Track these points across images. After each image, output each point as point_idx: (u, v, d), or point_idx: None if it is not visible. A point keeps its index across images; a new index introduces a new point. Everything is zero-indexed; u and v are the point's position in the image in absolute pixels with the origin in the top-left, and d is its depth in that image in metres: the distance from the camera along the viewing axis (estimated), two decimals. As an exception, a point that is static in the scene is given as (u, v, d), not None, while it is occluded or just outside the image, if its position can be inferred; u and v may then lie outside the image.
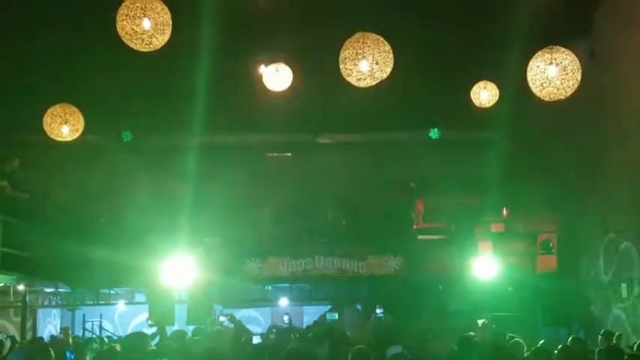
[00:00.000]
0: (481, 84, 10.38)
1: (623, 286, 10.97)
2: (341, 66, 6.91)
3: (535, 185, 14.15)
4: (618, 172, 10.70)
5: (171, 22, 6.85)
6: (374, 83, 7.00)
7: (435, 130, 12.24)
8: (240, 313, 12.68)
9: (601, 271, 11.80)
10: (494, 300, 12.13)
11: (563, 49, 6.92)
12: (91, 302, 14.25)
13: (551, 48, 6.87)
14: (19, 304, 12.82)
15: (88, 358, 8.16)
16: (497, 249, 13.21)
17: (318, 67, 11.13)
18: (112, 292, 14.25)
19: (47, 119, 8.52)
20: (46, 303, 14.58)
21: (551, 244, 13.10)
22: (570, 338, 7.28)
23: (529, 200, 14.64)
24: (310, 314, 14.53)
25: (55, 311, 15.09)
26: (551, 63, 6.82)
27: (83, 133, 8.80)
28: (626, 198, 10.52)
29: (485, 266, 12.41)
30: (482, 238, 13.50)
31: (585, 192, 11.84)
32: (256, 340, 9.86)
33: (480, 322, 10.41)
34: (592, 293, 12.22)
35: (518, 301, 12.58)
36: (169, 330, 9.48)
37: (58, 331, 13.80)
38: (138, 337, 7.42)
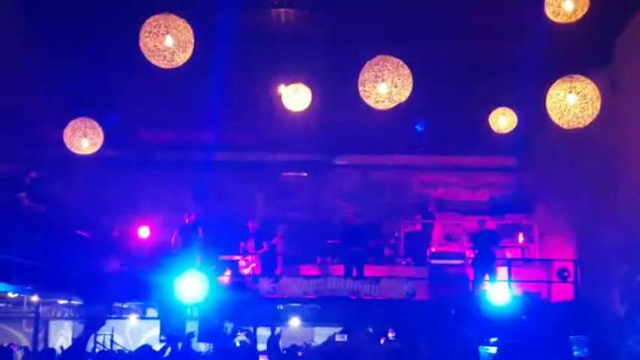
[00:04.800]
0: (500, 110, 10.39)
1: (639, 318, 10.82)
2: (360, 88, 6.95)
3: (552, 213, 14.07)
4: (637, 203, 10.59)
5: (193, 40, 6.93)
6: (392, 106, 7.04)
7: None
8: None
9: (617, 302, 11.65)
10: (508, 327, 12.00)
11: (583, 77, 6.92)
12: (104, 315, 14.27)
13: (571, 76, 6.87)
14: (32, 315, 12.88)
15: None
16: (513, 276, 13.11)
17: (337, 88, 11.18)
18: (124, 306, 14.27)
19: (68, 132, 8.62)
20: (58, 315, 14.64)
21: (566, 273, 12.96)
22: None
23: (546, 227, 14.55)
24: (321, 335, 14.46)
25: (67, 323, 15.15)
26: (570, 91, 6.81)
27: (102, 147, 8.89)
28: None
29: (500, 292, 12.31)
30: (498, 264, 13.40)
31: (603, 222, 11.73)
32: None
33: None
34: (607, 324, 12.06)
35: (532, 330, 12.44)
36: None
37: (70, 343, 13.83)
38: (147, 348, 7.46)
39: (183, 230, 13.31)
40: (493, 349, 10.47)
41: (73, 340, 11.76)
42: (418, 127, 12.13)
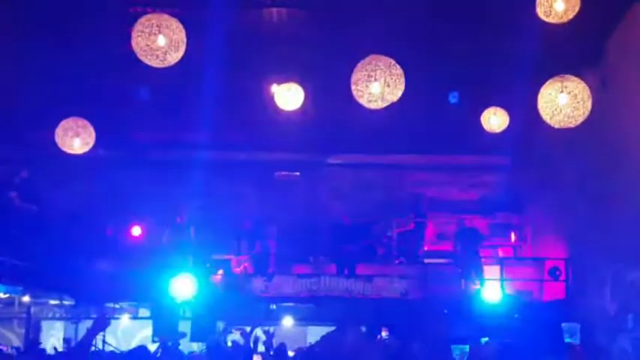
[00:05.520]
0: (492, 109, 10.42)
1: (630, 317, 10.87)
2: (352, 87, 6.96)
3: (544, 212, 14.11)
4: (628, 202, 10.64)
5: (185, 40, 6.92)
6: (385, 105, 7.05)
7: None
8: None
9: (608, 301, 11.70)
10: (500, 326, 12.04)
11: (574, 77, 6.95)
12: (95, 316, 14.25)
13: (563, 76, 6.89)
14: (24, 315, 12.83)
15: None
16: (505, 274, 13.15)
17: (329, 87, 11.19)
18: (116, 306, 14.24)
19: (59, 132, 8.58)
20: (50, 315, 14.61)
21: (558, 272, 13.01)
22: None
23: (538, 226, 14.59)
24: (314, 334, 14.45)
25: (59, 324, 15.10)
26: (562, 91, 6.84)
27: (93, 146, 8.86)
28: (635, 227, 10.45)
29: (492, 291, 12.36)
30: (489, 263, 13.44)
31: (594, 220, 11.78)
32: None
33: None
34: (598, 323, 12.11)
35: (524, 328, 12.48)
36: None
37: (61, 343, 13.79)
38: (141, 349, 7.45)
39: (175, 230, 13.29)
40: (465, 347, 10.51)
41: (78, 341, 11.73)
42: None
